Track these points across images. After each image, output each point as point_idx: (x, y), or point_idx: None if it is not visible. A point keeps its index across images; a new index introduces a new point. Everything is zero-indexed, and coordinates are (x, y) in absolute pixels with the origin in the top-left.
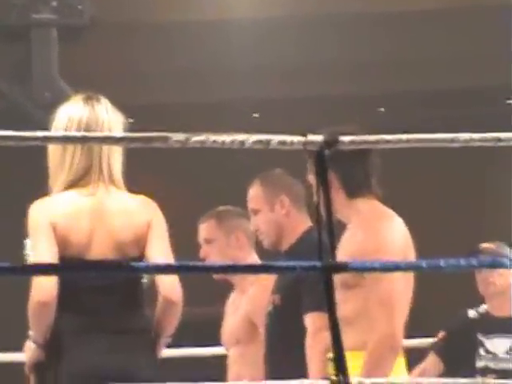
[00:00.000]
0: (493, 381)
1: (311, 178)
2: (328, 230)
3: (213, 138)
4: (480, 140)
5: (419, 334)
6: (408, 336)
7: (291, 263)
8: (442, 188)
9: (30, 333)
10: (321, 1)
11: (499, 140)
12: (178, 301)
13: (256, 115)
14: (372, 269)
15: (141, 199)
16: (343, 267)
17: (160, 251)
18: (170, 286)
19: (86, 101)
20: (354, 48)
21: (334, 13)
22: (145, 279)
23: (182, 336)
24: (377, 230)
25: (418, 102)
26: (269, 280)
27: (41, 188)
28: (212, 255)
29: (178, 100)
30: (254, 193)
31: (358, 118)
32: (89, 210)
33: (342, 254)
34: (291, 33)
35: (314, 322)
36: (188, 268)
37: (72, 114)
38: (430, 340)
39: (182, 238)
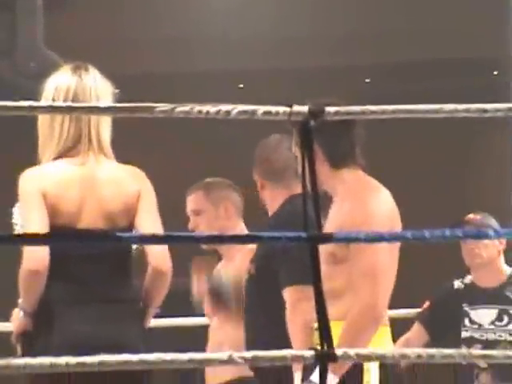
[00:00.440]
0: (478, 351)
1: (296, 149)
2: (313, 200)
3: (198, 108)
4: (465, 111)
5: (405, 304)
6: (394, 307)
7: (276, 234)
8: (427, 158)
9: (20, 301)
10: None
11: (484, 111)
12: (167, 271)
13: (241, 86)
14: (357, 239)
15: (130, 169)
16: (328, 238)
17: (149, 221)
18: (159, 256)
19: (74, 70)
20: (340, 19)
21: None
22: (134, 249)
23: (171, 306)
24: (364, 201)
25: (404, 73)
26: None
27: (29, 157)
28: (201, 226)
29: (163, 70)
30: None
31: (344, 88)
32: (79, 179)
33: (330, 225)
34: (277, 3)
35: (291, 295)
36: (175, 238)
37: (60, 83)
38: (416, 311)
39: (170, 208)
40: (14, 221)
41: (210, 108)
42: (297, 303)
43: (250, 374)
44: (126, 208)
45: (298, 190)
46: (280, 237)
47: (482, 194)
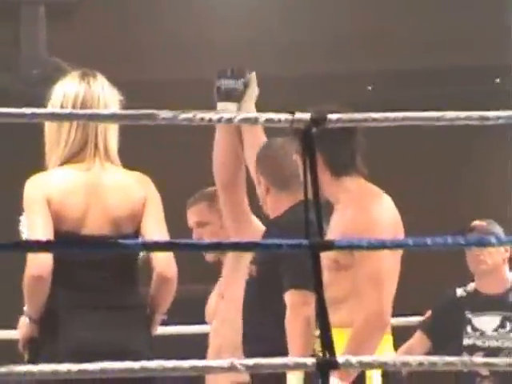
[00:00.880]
0: (479, 359)
1: (297, 156)
2: (315, 207)
3: (200, 115)
4: (466, 118)
5: (408, 312)
6: (397, 314)
7: (278, 241)
8: (428, 165)
9: (25, 308)
10: None
11: (486, 119)
12: (173, 277)
13: None
14: (359, 247)
15: (136, 175)
16: (330, 245)
17: (155, 228)
18: (164, 263)
19: (82, 77)
20: (343, 25)
21: None
22: (140, 255)
23: (178, 313)
24: (366, 209)
25: (406, 81)
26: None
27: (35, 164)
28: (205, 238)
29: (166, 76)
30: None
31: (346, 96)
32: (84, 185)
33: (333, 233)
34: (280, 10)
35: (292, 298)
36: (176, 245)
37: (68, 90)
38: (418, 318)
39: (174, 215)
40: (21, 228)
41: (213, 115)
42: (297, 307)
43: (247, 379)
44: (131, 214)
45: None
46: (281, 244)
47: (482, 201)
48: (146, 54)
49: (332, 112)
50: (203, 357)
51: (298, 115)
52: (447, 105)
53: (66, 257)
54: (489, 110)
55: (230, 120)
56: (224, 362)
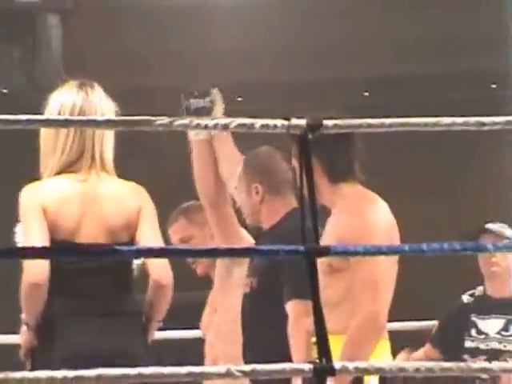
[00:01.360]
0: (476, 364)
1: (295, 163)
2: (311, 213)
3: (196, 121)
4: (463, 124)
5: (416, 317)
6: (396, 319)
7: (274, 247)
8: (428, 169)
9: (23, 316)
10: None
11: (482, 124)
12: (168, 284)
13: (240, 99)
14: (355, 253)
15: (131, 185)
16: (326, 251)
17: (150, 237)
18: (160, 270)
19: (79, 87)
20: (339, 32)
21: None
22: (135, 263)
23: (175, 319)
24: (362, 214)
25: (402, 86)
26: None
27: (30, 172)
28: None
29: (162, 83)
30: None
31: (342, 102)
32: (79, 194)
33: (328, 238)
34: (276, 17)
35: (294, 309)
36: (172, 251)
37: (65, 100)
38: (417, 324)
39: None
40: (16, 240)
41: (209, 121)
42: (299, 317)
43: None
44: (126, 223)
45: (295, 202)
46: (277, 250)
47: (482, 206)
48: (140, 62)
49: (328, 118)
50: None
51: (294, 121)
52: (443, 110)
53: (61, 264)
54: (485, 115)
55: (225, 126)
56: (221, 368)
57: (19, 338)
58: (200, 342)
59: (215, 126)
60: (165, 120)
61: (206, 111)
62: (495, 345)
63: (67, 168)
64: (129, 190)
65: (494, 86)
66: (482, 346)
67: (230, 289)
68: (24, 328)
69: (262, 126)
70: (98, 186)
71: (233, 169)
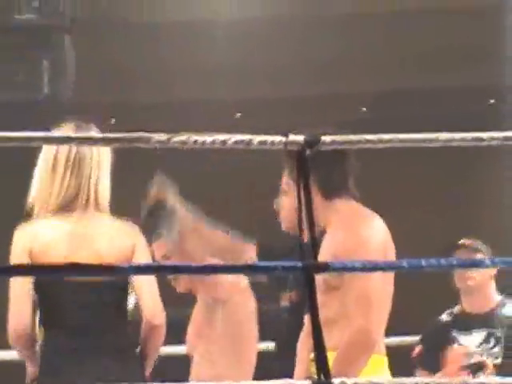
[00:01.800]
0: (474, 380)
1: (286, 180)
2: (309, 230)
3: (194, 138)
4: (461, 140)
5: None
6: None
7: (273, 263)
8: (427, 184)
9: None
10: (304, 2)
11: (481, 140)
12: (161, 324)
13: (238, 115)
14: (353, 269)
15: (124, 224)
16: (325, 267)
17: (144, 276)
18: (152, 309)
19: (75, 130)
20: (336, 47)
21: (316, 13)
22: (129, 305)
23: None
24: (356, 230)
25: (400, 102)
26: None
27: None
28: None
29: (159, 99)
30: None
31: (340, 117)
32: (70, 234)
33: (324, 255)
34: (273, 32)
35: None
36: (165, 268)
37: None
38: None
39: None
40: None
41: (207, 138)
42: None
43: None
44: (119, 262)
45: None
46: (276, 266)
47: (477, 219)
48: (137, 78)
49: (326, 134)
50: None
51: (292, 137)
52: (441, 126)
53: (54, 300)
54: (483, 130)
55: (223, 142)
56: None
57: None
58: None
59: (213, 143)
60: (162, 137)
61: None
62: (477, 358)
63: (62, 209)
64: (121, 229)
65: (491, 101)
66: (465, 361)
67: (217, 321)
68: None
69: (260, 142)
70: (90, 225)
71: None
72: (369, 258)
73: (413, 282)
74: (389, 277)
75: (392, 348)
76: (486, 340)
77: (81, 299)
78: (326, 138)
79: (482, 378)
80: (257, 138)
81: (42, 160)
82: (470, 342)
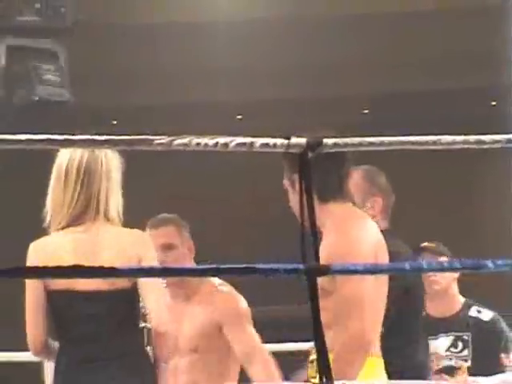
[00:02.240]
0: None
1: (286, 182)
2: (311, 232)
3: (196, 140)
4: (463, 142)
5: None
6: None
7: (274, 265)
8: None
9: None
10: (306, 3)
11: (482, 142)
12: (166, 331)
13: (239, 117)
14: (355, 271)
15: (133, 233)
16: (326, 270)
17: (151, 285)
18: (157, 318)
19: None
20: (339, 50)
21: (318, 15)
22: (143, 325)
23: None
24: (346, 232)
25: (402, 104)
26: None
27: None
28: (169, 261)
29: (161, 102)
30: (354, 182)
31: (342, 119)
32: (78, 245)
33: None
34: (275, 35)
35: None
36: (170, 271)
37: (72, 156)
38: None
39: None
40: None
41: (208, 140)
42: None
43: None
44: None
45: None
46: (277, 269)
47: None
48: (139, 80)
49: (328, 136)
50: None
51: (294, 140)
52: (443, 127)
53: (64, 311)
54: (485, 132)
55: (225, 145)
56: None
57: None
58: None
59: (215, 146)
60: (164, 139)
61: None
62: (446, 362)
63: (73, 222)
64: (130, 239)
65: (493, 102)
66: (435, 366)
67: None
68: None
69: (262, 144)
70: (99, 235)
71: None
72: (359, 260)
73: None
74: (382, 279)
75: None
76: (454, 344)
77: (88, 310)
78: (328, 141)
79: (454, 381)
80: (259, 141)
81: (54, 174)
82: (438, 347)
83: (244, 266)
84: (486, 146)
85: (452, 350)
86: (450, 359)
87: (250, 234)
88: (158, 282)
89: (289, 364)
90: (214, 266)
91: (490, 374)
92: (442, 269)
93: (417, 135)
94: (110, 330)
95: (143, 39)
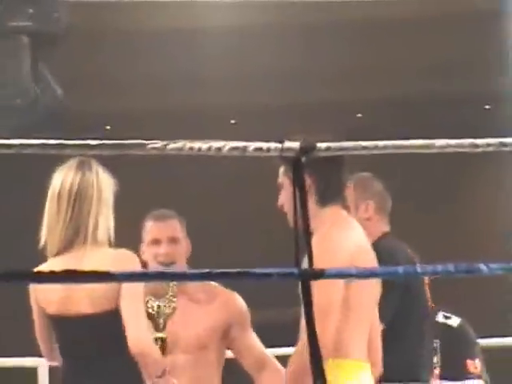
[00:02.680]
0: None
1: (281, 184)
2: (305, 236)
3: (189, 144)
4: (456, 146)
5: None
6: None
7: (268, 270)
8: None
9: None
10: (298, 8)
11: (476, 146)
12: (142, 351)
13: (233, 122)
14: (348, 275)
15: (118, 254)
16: (320, 274)
17: (128, 306)
18: (133, 340)
19: (77, 167)
20: (332, 54)
21: (311, 20)
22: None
23: None
24: (326, 237)
25: (396, 108)
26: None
27: None
28: (176, 255)
29: (155, 107)
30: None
31: (335, 124)
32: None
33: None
34: (268, 40)
35: None
36: (165, 275)
37: (65, 179)
38: None
39: None
40: None
41: (202, 145)
42: None
43: None
44: (108, 293)
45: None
46: (271, 273)
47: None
48: (132, 86)
49: (321, 141)
50: None
51: (288, 144)
52: (437, 131)
53: (58, 332)
54: (479, 136)
55: (219, 149)
56: None
57: None
58: None
59: (209, 150)
60: (158, 143)
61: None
62: None
63: (65, 249)
64: (113, 260)
65: (487, 106)
66: None
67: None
68: None
69: (255, 149)
70: (84, 261)
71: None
72: (334, 265)
73: None
74: (368, 283)
75: None
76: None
77: (78, 332)
78: (322, 145)
79: None
80: (252, 145)
81: (49, 196)
82: None
83: (237, 270)
84: (478, 150)
85: None
86: None
87: (246, 240)
88: (138, 304)
89: None
90: (207, 270)
91: (458, 380)
92: (435, 273)
93: (411, 139)
94: (97, 349)
95: (135, 45)
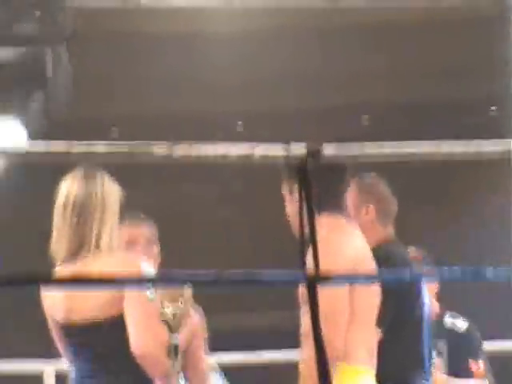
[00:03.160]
0: None
1: (285, 190)
2: (311, 241)
3: (196, 149)
4: (462, 153)
5: None
6: None
7: (274, 275)
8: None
9: None
10: (303, 13)
11: (481, 150)
12: (144, 353)
13: (239, 126)
14: (355, 280)
15: (118, 260)
16: (326, 278)
17: (131, 310)
18: (134, 342)
19: (82, 178)
20: (339, 58)
21: (316, 24)
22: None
23: None
24: (326, 244)
25: (402, 112)
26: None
27: None
28: (153, 258)
29: (161, 112)
30: (349, 192)
31: (341, 128)
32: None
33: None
34: (274, 45)
35: None
36: (169, 279)
37: (69, 191)
38: None
39: None
40: None
41: (208, 149)
42: None
43: None
44: (112, 298)
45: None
46: (277, 278)
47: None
48: (138, 90)
49: (327, 146)
50: None
51: (294, 149)
52: (443, 134)
53: (65, 341)
54: (484, 139)
55: (225, 156)
56: None
57: None
58: None
59: (215, 157)
60: (165, 149)
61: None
62: None
63: (70, 258)
64: (116, 265)
65: (493, 108)
66: None
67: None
68: None
69: (261, 154)
70: (87, 267)
71: None
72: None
73: None
74: (370, 290)
75: None
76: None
77: (83, 338)
78: (327, 150)
79: None
80: (259, 150)
81: (56, 206)
82: None
83: (244, 275)
84: (485, 156)
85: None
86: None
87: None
88: (140, 309)
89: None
90: (212, 274)
91: (461, 378)
92: (441, 277)
93: (417, 144)
94: (104, 355)
95: (141, 48)
